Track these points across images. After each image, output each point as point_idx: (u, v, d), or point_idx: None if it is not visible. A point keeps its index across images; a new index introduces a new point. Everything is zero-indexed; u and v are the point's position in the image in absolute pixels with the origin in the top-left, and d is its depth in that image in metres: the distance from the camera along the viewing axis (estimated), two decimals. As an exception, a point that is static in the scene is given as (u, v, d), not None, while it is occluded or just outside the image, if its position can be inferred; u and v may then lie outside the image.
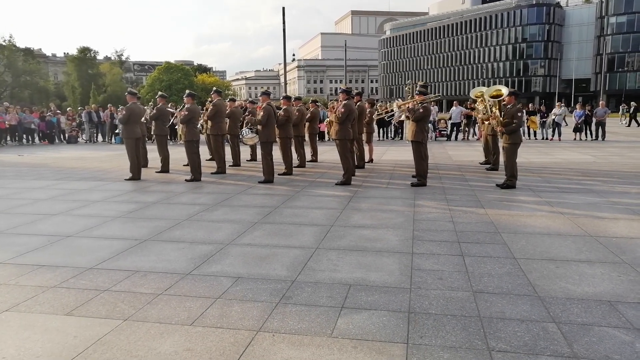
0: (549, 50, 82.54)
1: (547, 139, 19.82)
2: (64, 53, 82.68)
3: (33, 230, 5.91)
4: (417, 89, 9.17)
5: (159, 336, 3.12)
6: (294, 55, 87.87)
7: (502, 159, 9.06)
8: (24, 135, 21.79)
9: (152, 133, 12.51)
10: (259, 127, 9.37)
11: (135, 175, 10.02)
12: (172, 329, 3.22)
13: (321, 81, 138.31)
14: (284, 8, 29.06)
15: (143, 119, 11.17)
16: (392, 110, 11.58)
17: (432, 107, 20.37)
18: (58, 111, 24.55)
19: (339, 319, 3.32)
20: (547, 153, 14.70)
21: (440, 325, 3.20)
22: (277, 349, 2.93)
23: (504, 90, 8.69)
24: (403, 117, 10.90)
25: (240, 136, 10.40)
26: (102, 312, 3.50)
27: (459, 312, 3.40)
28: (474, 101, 10.85)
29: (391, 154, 14.80)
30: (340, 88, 9.50)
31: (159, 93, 12.02)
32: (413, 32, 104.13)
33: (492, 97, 8.88)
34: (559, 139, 19.21)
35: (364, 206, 7.01)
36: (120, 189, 8.84)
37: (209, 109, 10.81)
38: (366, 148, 12.14)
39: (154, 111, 11.05)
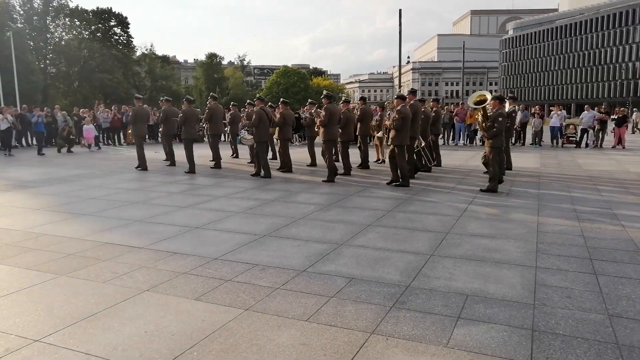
0: None
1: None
2: (194, 59, 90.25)
3: (167, 220, 6.53)
4: (399, 94, 9.74)
5: (276, 328, 3.26)
6: (408, 57, 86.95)
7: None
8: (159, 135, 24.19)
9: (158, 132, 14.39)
10: (253, 129, 10.45)
11: (143, 166, 12.03)
12: (289, 322, 3.35)
13: (436, 83, 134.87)
14: (400, 10, 28.84)
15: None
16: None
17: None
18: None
19: (455, 329, 3.20)
20: (701, 164, 12.80)
21: (570, 348, 2.94)
22: (391, 353, 2.91)
23: (488, 96, 8.82)
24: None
25: (240, 137, 11.73)
26: (226, 300, 3.75)
27: (591, 335, 3.10)
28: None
29: (511, 160, 13.90)
30: (324, 93, 10.68)
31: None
32: (539, 31, 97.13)
33: (477, 102, 8.97)
34: None
35: (482, 214, 6.69)
36: (241, 186, 9.41)
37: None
38: (372, 150, 12.78)
39: (161, 114, 12.62)
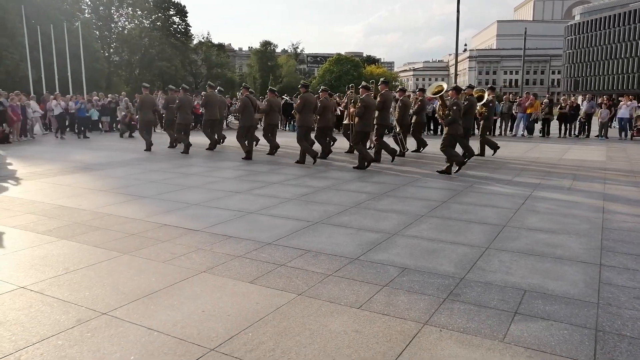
0: None
1: None
2: (249, 47, 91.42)
3: (222, 204, 6.71)
4: (364, 84, 10.28)
5: (329, 314, 3.29)
6: (465, 45, 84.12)
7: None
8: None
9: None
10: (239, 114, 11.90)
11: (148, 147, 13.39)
12: (341, 309, 3.36)
13: (494, 72, 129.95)
14: (459, -5, 27.85)
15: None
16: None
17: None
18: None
19: (511, 325, 3.11)
20: None
21: (638, 352, 2.78)
22: (445, 345, 2.87)
23: (445, 86, 10.00)
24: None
25: (227, 121, 14.05)
26: (279, 284, 3.81)
27: (662, 339, 2.92)
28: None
29: (574, 152, 13.29)
30: (301, 82, 11.85)
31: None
32: (610, 16, 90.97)
33: (434, 93, 9.98)
34: None
35: (542, 208, 6.43)
36: (293, 173, 9.51)
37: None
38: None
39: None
